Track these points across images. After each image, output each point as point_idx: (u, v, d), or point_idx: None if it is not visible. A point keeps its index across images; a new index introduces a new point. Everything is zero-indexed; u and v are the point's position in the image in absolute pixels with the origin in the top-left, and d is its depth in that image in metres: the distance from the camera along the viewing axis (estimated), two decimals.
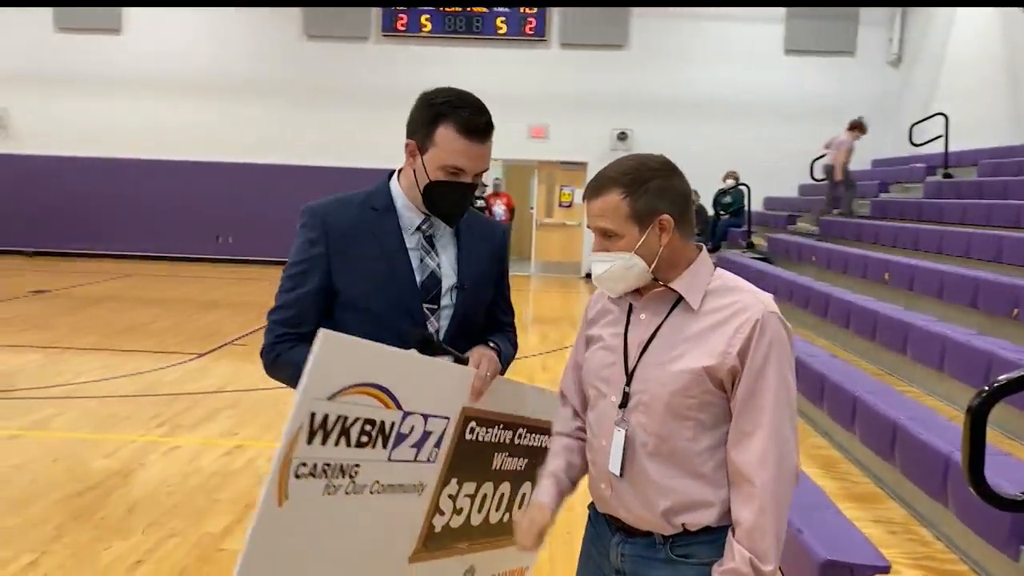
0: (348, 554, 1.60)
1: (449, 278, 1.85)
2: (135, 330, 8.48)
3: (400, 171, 1.86)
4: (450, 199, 1.78)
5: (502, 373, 1.88)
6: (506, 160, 15.32)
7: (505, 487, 1.94)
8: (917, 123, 10.82)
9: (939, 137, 10.24)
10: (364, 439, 1.54)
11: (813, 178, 11.39)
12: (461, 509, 1.82)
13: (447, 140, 1.72)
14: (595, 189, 1.57)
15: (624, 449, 1.60)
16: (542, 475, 1.79)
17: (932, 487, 3.21)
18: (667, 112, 14.42)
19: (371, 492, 1.59)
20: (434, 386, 1.67)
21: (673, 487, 1.57)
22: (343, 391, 1.48)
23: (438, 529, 1.77)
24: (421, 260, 1.82)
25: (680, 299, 1.58)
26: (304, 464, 1.45)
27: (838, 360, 5.03)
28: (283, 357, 1.75)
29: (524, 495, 2.01)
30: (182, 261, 14.81)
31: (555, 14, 14.60)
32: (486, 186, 14.53)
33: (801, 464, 3.94)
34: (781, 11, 14.28)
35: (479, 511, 1.88)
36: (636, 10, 14.48)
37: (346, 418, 1.50)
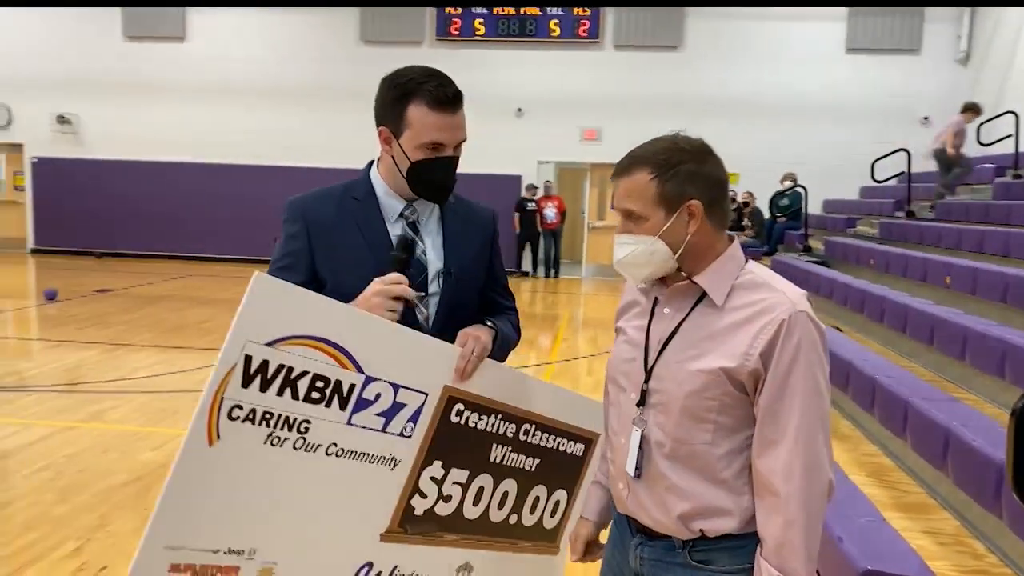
0: (307, 515, 1.55)
1: (435, 264, 1.79)
2: (189, 328, 8.70)
3: (378, 160, 1.83)
4: (436, 176, 1.73)
5: (501, 359, 1.80)
6: (558, 162, 15.26)
7: (509, 485, 1.84)
8: (985, 122, 10.39)
9: (1008, 136, 9.82)
10: (315, 395, 1.49)
11: (874, 179, 11.04)
12: (449, 496, 1.73)
13: (419, 117, 1.67)
14: (624, 168, 1.50)
15: (641, 449, 1.54)
16: (592, 480, 1.86)
17: (985, 497, 3.04)
18: (723, 113, 14.17)
19: (328, 454, 1.54)
20: (406, 356, 1.60)
21: (690, 491, 1.49)
22: (285, 340, 1.44)
23: (419, 512, 1.69)
24: None
25: (705, 294, 1.50)
26: (239, 407, 1.42)
27: (892, 365, 4.83)
28: None
29: (537, 499, 1.90)
30: (240, 262, 15.16)
31: (609, 15, 14.51)
32: (536, 188, 14.51)
33: (850, 472, 3.74)
34: (843, 9, 13.91)
35: (475, 504, 1.78)
36: (691, 11, 14.29)
37: (291, 369, 1.46)
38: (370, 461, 1.60)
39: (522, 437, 1.83)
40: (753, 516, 1.48)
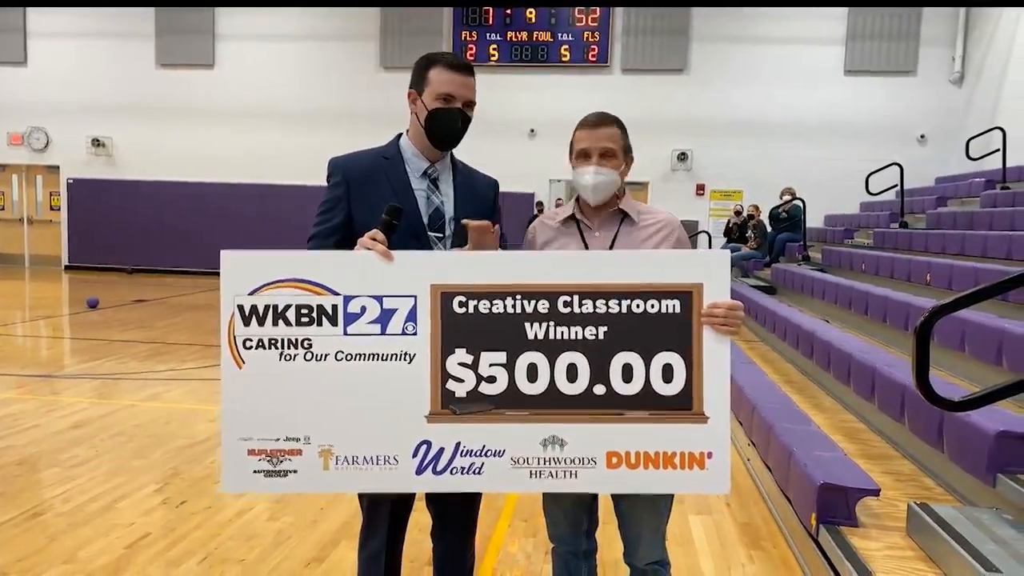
0: (345, 407, 1.96)
1: (450, 212, 2.25)
2: None
3: (408, 129, 2.30)
4: (448, 122, 2.17)
5: None
6: (569, 180, 15.86)
7: (573, 358, 1.94)
8: (973, 138, 10.96)
9: (996, 151, 10.36)
10: (304, 320, 1.96)
11: (869, 193, 11.60)
12: (493, 377, 1.95)
13: (437, 75, 2.17)
14: (604, 120, 2.22)
15: None
16: None
17: (931, 437, 3.58)
18: (727, 133, 14.82)
19: (339, 359, 1.97)
20: (379, 273, 1.95)
21: None
22: (261, 288, 1.97)
23: (462, 394, 1.95)
24: (428, 198, 2.23)
25: (623, 217, 2.27)
26: (249, 340, 1.97)
27: (868, 346, 5.38)
28: None
29: (628, 366, 1.93)
30: None
31: (617, 41, 15.22)
32: (541, 203, 15.13)
33: (829, 434, 4.31)
34: (841, 32, 14.59)
35: (531, 380, 1.94)
36: (696, 34, 14.99)
37: (275, 306, 1.96)
38: (384, 359, 1.97)
39: (563, 310, 1.95)
40: None
